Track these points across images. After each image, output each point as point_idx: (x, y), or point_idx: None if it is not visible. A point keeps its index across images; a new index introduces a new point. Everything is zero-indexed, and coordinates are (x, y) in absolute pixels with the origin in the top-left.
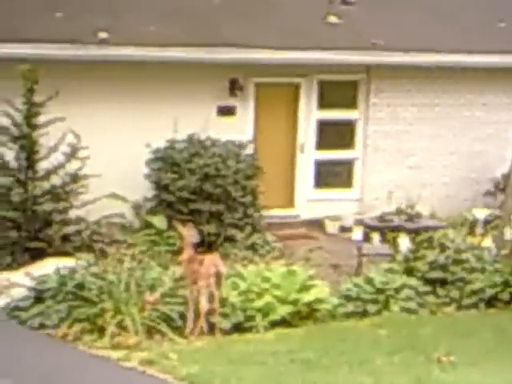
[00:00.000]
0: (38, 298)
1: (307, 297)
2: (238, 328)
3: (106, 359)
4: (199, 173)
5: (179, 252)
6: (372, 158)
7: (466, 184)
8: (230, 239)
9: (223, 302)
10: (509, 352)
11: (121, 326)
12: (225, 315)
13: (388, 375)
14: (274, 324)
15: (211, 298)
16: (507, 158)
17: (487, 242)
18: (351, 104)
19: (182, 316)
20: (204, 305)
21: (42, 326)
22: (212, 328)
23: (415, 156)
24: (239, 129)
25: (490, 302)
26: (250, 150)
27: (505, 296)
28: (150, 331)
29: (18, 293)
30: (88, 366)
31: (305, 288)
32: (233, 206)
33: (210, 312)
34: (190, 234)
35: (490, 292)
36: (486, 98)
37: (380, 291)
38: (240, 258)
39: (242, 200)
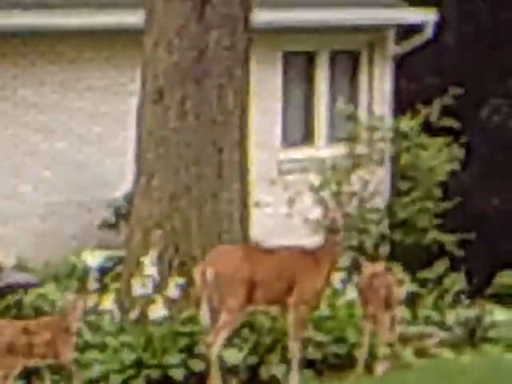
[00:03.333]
0: None
1: None
2: None
3: None
4: None
5: None
6: None
7: (72, 212)
8: None
9: None
10: None
11: None
12: None
13: None
14: None
15: None
16: (129, 170)
17: (108, 303)
18: None
19: None
20: None
21: None
22: None
23: None
24: None
25: None
26: None
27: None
28: None
29: None
30: None
31: None
32: None
33: None
34: None
35: (117, 380)
36: (91, 77)
37: None
38: None
39: None
